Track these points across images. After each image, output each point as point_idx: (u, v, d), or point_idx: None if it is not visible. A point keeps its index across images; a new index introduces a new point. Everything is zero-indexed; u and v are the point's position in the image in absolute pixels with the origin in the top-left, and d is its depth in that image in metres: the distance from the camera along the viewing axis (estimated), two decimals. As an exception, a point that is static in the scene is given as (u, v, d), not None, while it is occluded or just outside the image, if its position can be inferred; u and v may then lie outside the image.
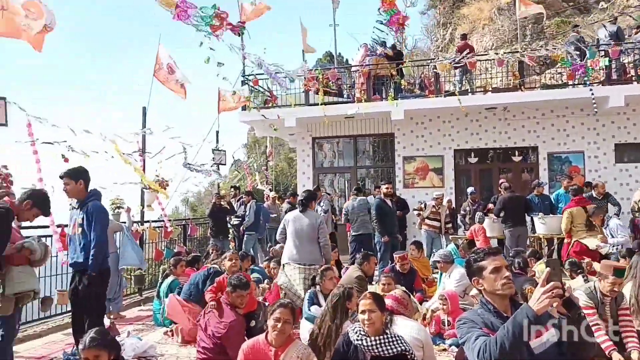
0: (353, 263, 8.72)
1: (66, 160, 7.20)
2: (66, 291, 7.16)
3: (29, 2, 6.71)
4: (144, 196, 9.46)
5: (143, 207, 9.48)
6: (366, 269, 6.86)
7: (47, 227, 7.09)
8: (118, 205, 8.66)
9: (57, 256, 7.17)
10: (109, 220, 7.82)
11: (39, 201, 4.67)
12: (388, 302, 4.45)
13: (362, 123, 13.68)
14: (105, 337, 3.40)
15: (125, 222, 8.42)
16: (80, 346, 3.35)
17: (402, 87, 12.69)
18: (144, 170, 9.43)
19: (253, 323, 5.40)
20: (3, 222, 4.34)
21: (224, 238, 11.21)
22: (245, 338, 4.64)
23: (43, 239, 5.60)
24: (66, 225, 7.09)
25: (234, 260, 6.30)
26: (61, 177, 4.94)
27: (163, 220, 9.89)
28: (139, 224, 9.34)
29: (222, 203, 11.46)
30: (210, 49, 6.37)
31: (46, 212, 4.83)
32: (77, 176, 4.96)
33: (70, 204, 6.39)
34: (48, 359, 5.79)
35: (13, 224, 5.11)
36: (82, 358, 3.31)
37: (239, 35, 7.59)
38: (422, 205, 11.43)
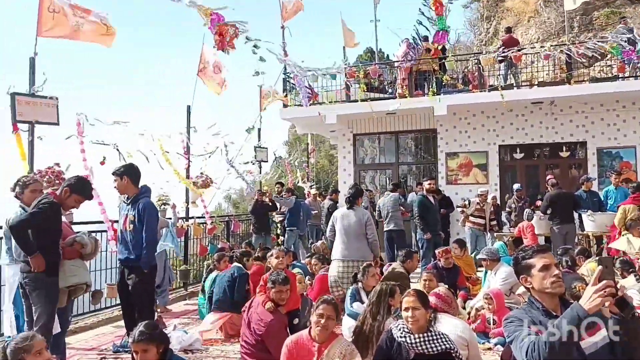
0: (392, 260, 8.68)
1: (102, 163, 7.35)
2: (114, 285, 7.41)
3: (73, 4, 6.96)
4: (189, 193, 9.64)
5: (188, 204, 9.66)
6: (409, 267, 6.81)
7: (102, 222, 7.29)
8: (164, 201, 8.85)
9: (107, 250, 7.41)
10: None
11: (76, 186, 4.69)
12: (432, 299, 4.41)
13: (403, 119, 13.56)
14: (154, 331, 3.45)
15: (170, 219, 8.62)
16: (130, 339, 3.45)
17: (445, 82, 12.50)
18: (188, 168, 9.61)
19: (296, 321, 5.41)
20: (49, 214, 4.47)
21: (266, 234, 11.32)
22: (288, 335, 4.65)
23: (96, 234, 5.82)
24: (117, 221, 7.40)
25: (280, 258, 6.23)
26: (112, 175, 5.11)
27: (210, 217, 10.05)
28: (184, 220, 9.52)
29: (264, 199, 11.57)
30: (261, 59, 6.38)
31: (86, 196, 4.81)
32: (122, 173, 5.08)
33: (120, 198, 6.58)
34: (98, 350, 5.96)
35: (64, 219, 5.32)
36: (132, 351, 3.41)
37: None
38: (466, 202, 11.25)
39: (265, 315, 4.95)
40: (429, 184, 9.40)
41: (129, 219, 4.99)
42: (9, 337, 4.09)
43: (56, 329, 4.63)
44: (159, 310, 7.50)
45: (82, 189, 4.73)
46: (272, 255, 6.32)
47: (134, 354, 3.38)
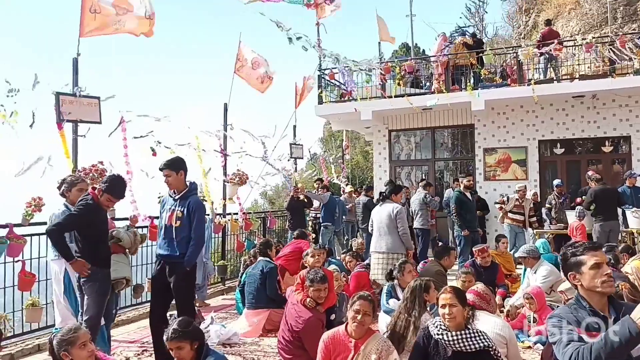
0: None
1: (154, 154, 7.56)
2: (155, 279, 7.59)
3: (117, 7, 7.10)
4: (226, 189, 9.77)
5: (225, 200, 9.79)
6: (446, 264, 6.75)
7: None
8: (202, 198, 9.00)
9: (150, 245, 7.59)
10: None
11: (108, 188, 4.73)
12: (469, 297, 4.36)
13: (440, 114, 13.41)
14: (187, 328, 3.49)
15: (208, 215, 8.75)
16: (165, 337, 3.50)
17: (483, 76, 12.29)
18: (225, 165, 9.74)
19: (333, 317, 5.43)
20: (84, 213, 4.57)
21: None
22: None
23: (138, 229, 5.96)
24: (156, 217, 7.43)
25: (317, 257, 6.19)
26: (161, 169, 4.89)
27: (244, 213, 10.16)
28: (221, 216, 9.66)
29: (299, 196, 11.62)
30: (303, 47, 6.38)
31: (116, 196, 4.81)
32: (178, 167, 4.88)
33: (160, 194, 6.69)
34: (140, 342, 6.12)
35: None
36: (167, 349, 3.49)
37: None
38: (504, 199, 11.06)
39: (303, 313, 4.98)
40: (468, 180, 9.29)
41: (176, 215, 4.81)
42: (58, 329, 4.22)
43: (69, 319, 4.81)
44: (197, 304, 7.65)
45: (112, 189, 4.73)
46: (307, 254, 6.30)
47: (170, 351, 3.46)
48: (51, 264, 5.39)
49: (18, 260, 5.69)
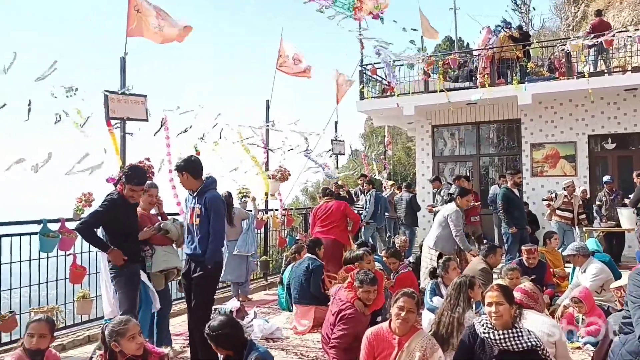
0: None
1: (198, 153, 7.68)
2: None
3: (159, 11, 7.25)
4: (268, 185, 9.84)
5: (267, 196, 9.87)
6: (492, 262, 6.62)
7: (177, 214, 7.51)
8: (244, 194, 9.10)
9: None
10: (237, 209, 8.32)
11: (126, 178, 4.77)
12: (517, 295, 4.25)
13: (485, 109, 13.13)
14: (218, 331, 3.56)
15: (251, 211, 8.84)
16: (205, 332, 3.62)
17: (529, 69, 11.96)
18: (267, 162, 9.81)
19: (379, 319, 5.36)
20: (110, 209, 4.63)
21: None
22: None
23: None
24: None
25: (371, 262, 6.31)
26: (175, 170, 4.95)
27: (285, 209, 10.23)
28: (264, 212, 9.74)
29: (340, 192, 11.58)
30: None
31: (135, 183, 4.78)
32: (181, 168, 4.80)
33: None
34: (185, 335, 6.21)
35: (153, 211, 5.58)
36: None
37: (381, 21, 8.00)
38: (553, 195, 10.74)
39: (347, 307, 4.95)
40: (519, 177, 9.07)
41: (196, 213, 4.76)
42: (108, 320, 4.34)
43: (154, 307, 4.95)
44: (240, 299, 7.74)
45: (130, 178, 4.75)
46: (362, 259, 6.32)
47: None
48: (100, 257, 5.55)
49: (69, 254, 5.89)
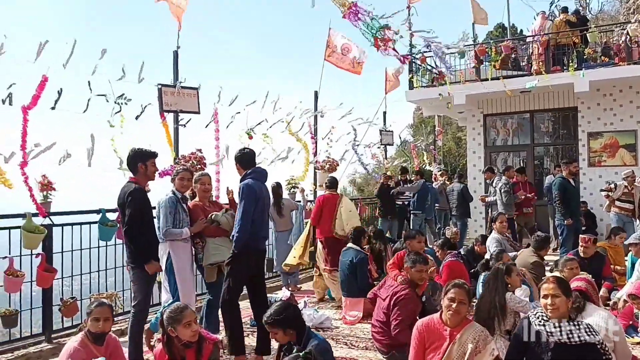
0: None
1: (250, 137, 7.82)
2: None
3: None
4: (316, 176, 9.88)
5: (316, 187, 9.91)
6: (544, 254, 6.47)
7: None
8: (293, 185, 9.18)
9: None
10: (286, 200, 8.39)
11: (139, 156, 4.73)
12: (580, 284, 4.17)
13: (539, 97, 12.72)
14: (279, 315, 3.63)
15: (300, 201, 8.91)
16: (263, 321, 3.70)
17: (587, 56, 11.50)
18: (315, 151, 9.85)
19: (424, 298, 5.35)
20: (136, 204, 4.55)
21: (392, 218, 11.26)
22: (417, 317, 4.61)
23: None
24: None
25: (422, 243, 6.53)
26: None
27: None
28: (312, 202, 9.78)
29: (389, 183, 11.51)
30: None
31: (145, 159, 4.74)
32: (234, 159, 5.13)
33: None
34: (237, 323, 6.35)
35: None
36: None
37: (404, 63, 8.20)
38: (612, 186, 10.31)
39: (401, 289, 4.96)
40: (575, 167, 8.77)
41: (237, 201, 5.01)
42: (166, 305, 4.46)
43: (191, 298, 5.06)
44: (290, 288, 7.82)
45: (142, 155, 4.76)
46: (413, 238, 6.49)
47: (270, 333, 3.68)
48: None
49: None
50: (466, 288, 3.80)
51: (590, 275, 4.78)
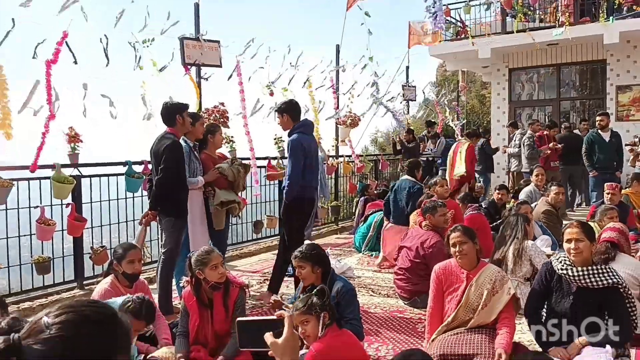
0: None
1: (271, 94, 7.80)
2: (274, 217, 7.96)
3: None
4: (338, 131, 9.85)
5: (337, 142, 9.90)
6: (554, 202, 6.56)
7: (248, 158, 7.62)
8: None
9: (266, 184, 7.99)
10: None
11: (175, 108, 4.78)
12: (612, 234, 4.18)
13: (566, 50, 12.36)
14: (311, 252, 3.75)
15: (320, 155, 8.92)
16: (292, 256, 3.77)
17: (617, 5, 11.09)
18: (337, 106, 9.78)
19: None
20: (175, 153, 4.61)
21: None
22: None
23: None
24: (264, 158, 7.98)
25: (444, 186, 6.57)
26: (276, 112, 5.36)
27: (357, 155, 10.20)
28: (334, 158, 9.81)
29: (409, 139, 11.43)
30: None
31: (177, 113, 4.76)
32: (282, 110, 5.21)
33: (275, 135, 7.05)
34: (261, 273, 6.53)
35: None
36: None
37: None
38: (637, 140, 10.11)
39: (430, 236, 5.02)
40: (602, 120, 8.65)
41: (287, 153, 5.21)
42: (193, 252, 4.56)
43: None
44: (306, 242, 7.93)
45: (179, 107, 4.80)
46: (435, 184, 6.54)
47: (296, 269, 3.74)
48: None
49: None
50: (462, 228, 3.78)
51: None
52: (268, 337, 1.56)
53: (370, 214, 7.94)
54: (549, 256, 4.51)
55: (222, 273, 3.69)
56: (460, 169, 8.72)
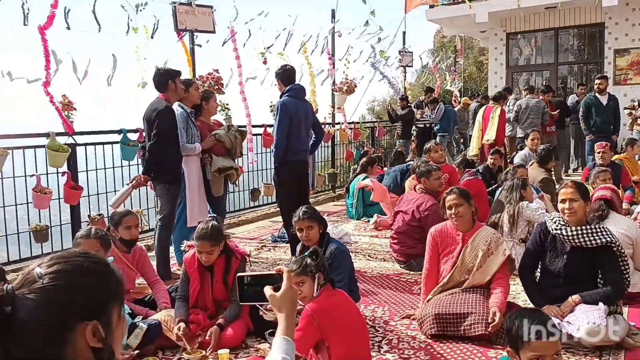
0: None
1: (265, 62, 7.73)
2: (271, 184, 7.96)
3: None
4: (335, 99, 9.78)
5: (334, 109, 9.84)
6: (550, 167, 6.60)
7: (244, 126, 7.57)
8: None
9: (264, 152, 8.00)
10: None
11: (168, 74, 4.77)
12: (605, 192, 4.20)
13: (565, 13, 12.21)
14: (315, 212, 3.83)
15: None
16: (295, 218, 3.77)
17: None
18: (333, 74, 9.69)
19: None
20: (167, 119, 4.61)
21: (407, 140, 11.24)
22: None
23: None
24: (260, 125, 7.97)
25: (440, 152, 6.75)
26: None
27: (350, 123, 10.14)
28: (330, 125, 9.75)
29: (405, 105, 11.35)
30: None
31: (169, 79, 4.73)
32: (275, 76, 5.41)
33: (271, 102, 7.03)
34: (259, 239, 6.56)
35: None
36: (297, 229, 3.76)
37: None
38: (635, 104, 10.08)
39: (426, 199, 5.05)
40: (601, 83, 8.62)
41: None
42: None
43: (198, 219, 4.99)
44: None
45: (171, 73, 4.80)
46: (430, 150, 6.68)
47: (298, 232, 3.75)
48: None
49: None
50: (458, 191, 3.80)
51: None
52: (267, 289, 1.57)
53: (350, 182, 7.99)
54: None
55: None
56: (490, 134, 8.72)
